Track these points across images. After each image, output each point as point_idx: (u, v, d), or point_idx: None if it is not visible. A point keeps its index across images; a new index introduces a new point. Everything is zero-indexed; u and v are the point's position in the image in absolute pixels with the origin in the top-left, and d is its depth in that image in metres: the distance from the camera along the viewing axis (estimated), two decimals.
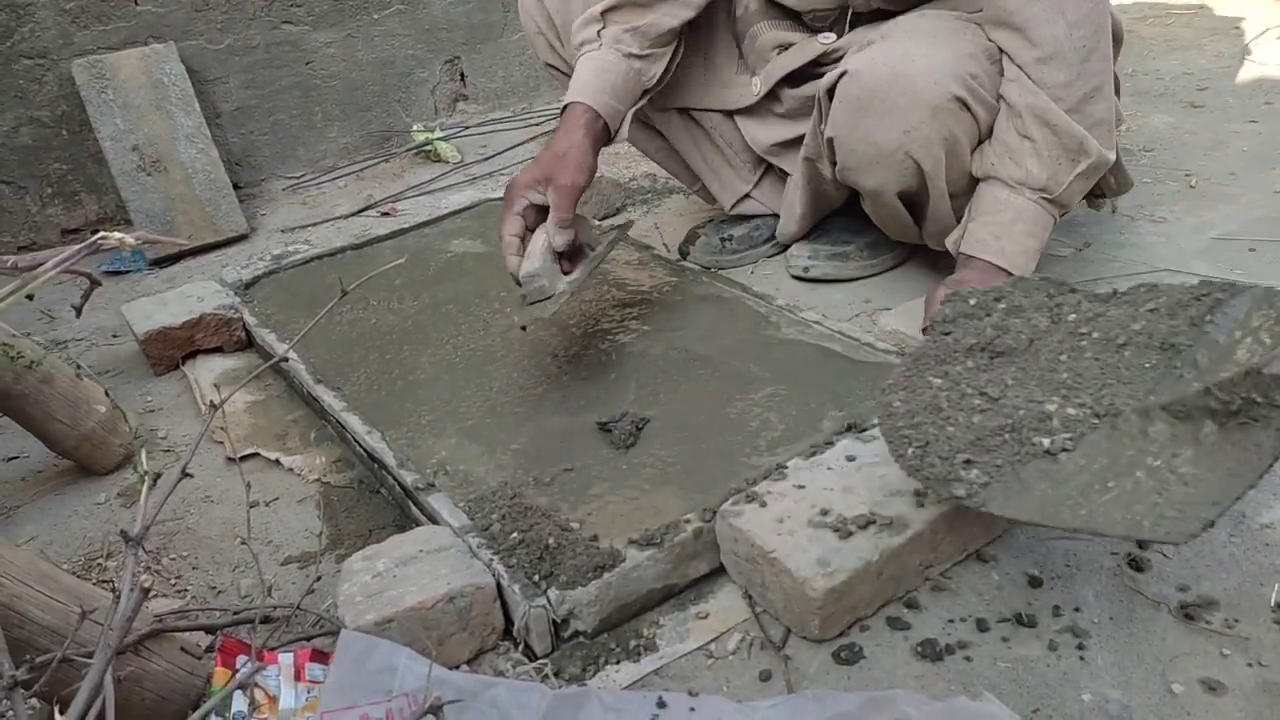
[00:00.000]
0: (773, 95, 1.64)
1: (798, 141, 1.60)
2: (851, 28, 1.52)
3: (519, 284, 1.31)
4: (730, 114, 1.71)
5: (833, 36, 1.53)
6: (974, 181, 1.37)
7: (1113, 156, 1.32)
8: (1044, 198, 1.29)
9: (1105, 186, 1.51)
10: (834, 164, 1.47)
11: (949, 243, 1.38)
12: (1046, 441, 0.88)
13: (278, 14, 2.54)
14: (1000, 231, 1.30)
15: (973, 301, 1.04)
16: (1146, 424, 0.86)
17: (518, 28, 2.86)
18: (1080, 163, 1.28)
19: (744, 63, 1.67)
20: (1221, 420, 0.83)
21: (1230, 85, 2.33)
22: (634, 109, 1.53)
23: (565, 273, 1.34)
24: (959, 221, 1.38)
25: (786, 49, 1.59)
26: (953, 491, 0.88)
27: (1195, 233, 1.64)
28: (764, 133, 1.67)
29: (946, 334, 1.03)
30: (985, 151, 1.33)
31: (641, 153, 1.88)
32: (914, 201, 1.44)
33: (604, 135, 1.46)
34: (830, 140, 1.42)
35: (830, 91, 1.39)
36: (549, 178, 1.34)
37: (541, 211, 1.35)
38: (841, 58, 1.45)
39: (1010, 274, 1.28)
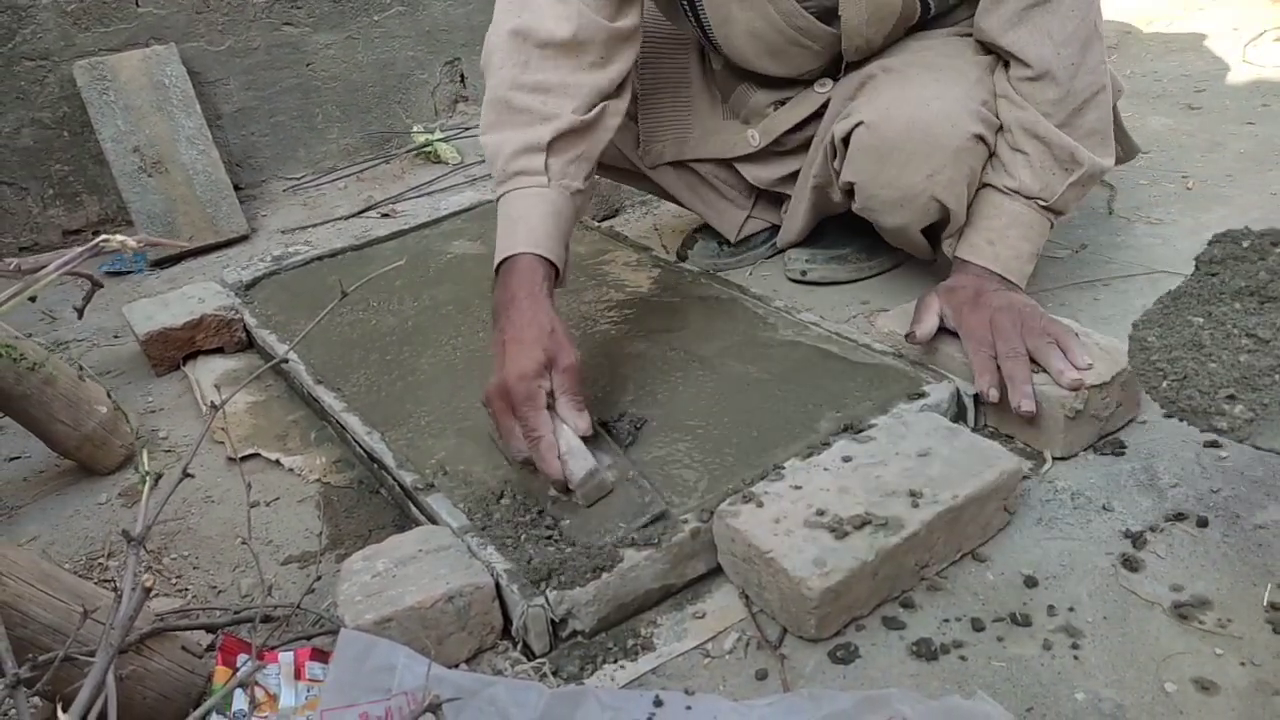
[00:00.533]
0: (776, 141, 1.61)
1: (791, 178, 1.61)
2: (846, 73, 1.49)
3: (566, 491, 1.10)
4: (727, 160, 1.67)
5: (830, 83, 1.51)
6: None
7: (1108, 164, 1.33)
8: (1039, 204, 1.30)
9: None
10: (848, 194, 1.46)
11: (945, 248, 1.39)
12: None
13: (278, 16, 2.54)
14: (994, 237, 1.31)
15: (1245, 244, 0.98)
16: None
17: None
18: (1073, 172, 1.28)
19: (729, 108, 1.65)
20: None
21: (1228, 87, 2.34)
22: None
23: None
24: None
25: (783, 103, 1.57)
26: (1213, 424, 0.86)
27: (1192, 234, 1.64)
28: (766, 172, 1.65)
29: (1213, 274, 0.99)
30: None
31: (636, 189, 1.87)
32: (932, 235, 1.45)
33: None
34: (850, 183, 1.42)
35: (845, 139, 1.39)
36: (551, 362, 1.13)
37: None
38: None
39: (1006, 280, 1.29)
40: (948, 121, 1.29)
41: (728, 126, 1.64)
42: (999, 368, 1.16)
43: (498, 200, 1.30)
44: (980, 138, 1.30)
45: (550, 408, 1.11)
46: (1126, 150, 1.54)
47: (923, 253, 1.51)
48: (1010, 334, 1.18)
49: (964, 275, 1.31)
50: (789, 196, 1.65)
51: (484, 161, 2.57)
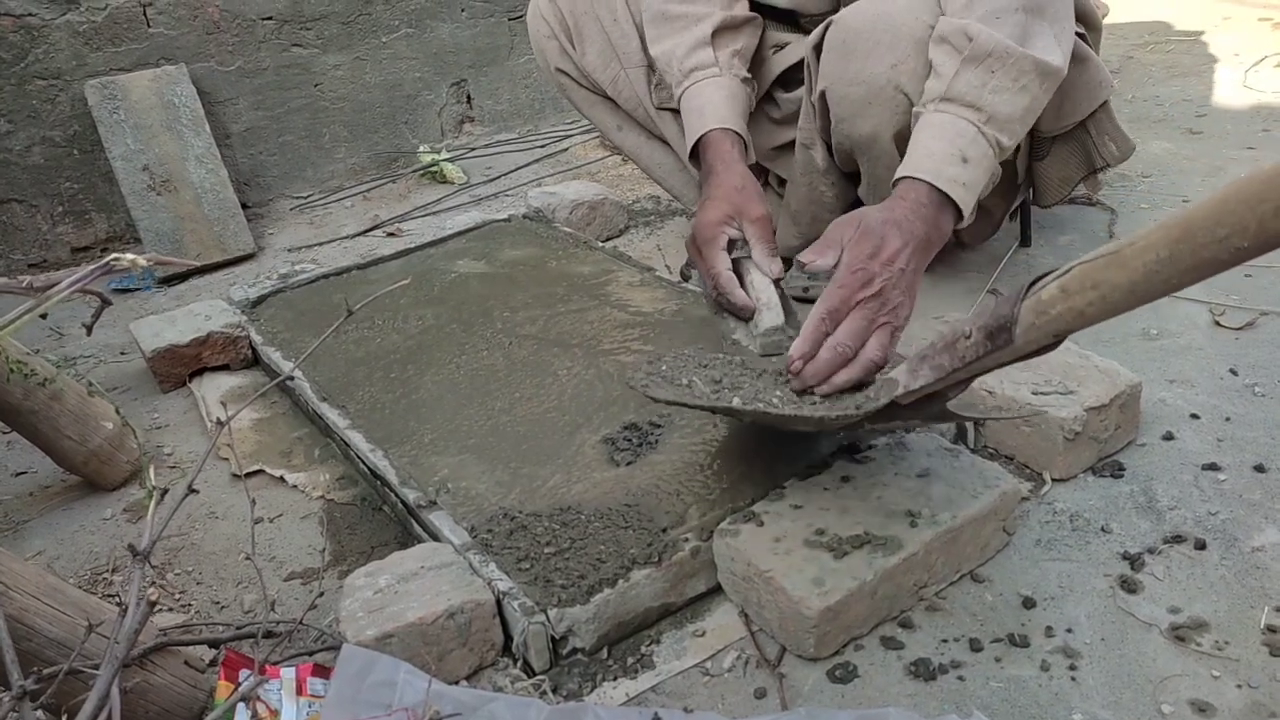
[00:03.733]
0: (769, 99, 1.69)
1: (792, 146, 1.64)
2: None
3: (726, 313, 1.28)
4: None
5: (819, 26, 1.56)
6: None
7: (1053, 60, 1.24)
8: (943, 104, 1.22)
9: (1106, 155, 1.55)
10: (827, 144, 1.49)
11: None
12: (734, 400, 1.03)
13: (288, 37, 2.57)
14: (910, 149, 1.23)
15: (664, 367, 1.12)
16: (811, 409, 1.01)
17: (523, 51, 2.90)
18: (962, 51, 1.22)
19: None
20: (847, 406, 0.99)
21: (1229, 112, 2.36)
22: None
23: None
24: None
25: (782, 49, 1.64)
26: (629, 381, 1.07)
27: None
28: (761, 138, 1.71)
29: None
30: None
31: (644, 170, 1.91)
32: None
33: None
34: (823, 96, 1.45)
35: (817, 48, 1.44)
36: (739, 212, 1.30)
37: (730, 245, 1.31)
38: None
39: (922, 182, 1.17)
40: (909, 13, 1.33)
41: None
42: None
43: (679, 99, 1.51)
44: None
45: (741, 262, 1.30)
46: (1121, 149, 1.56)
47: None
48: (859, 321, 1.05)
49: (884, 201, 1.20)
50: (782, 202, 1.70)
51: (489, 181, 2.60)
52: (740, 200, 1.32)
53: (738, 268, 1.31)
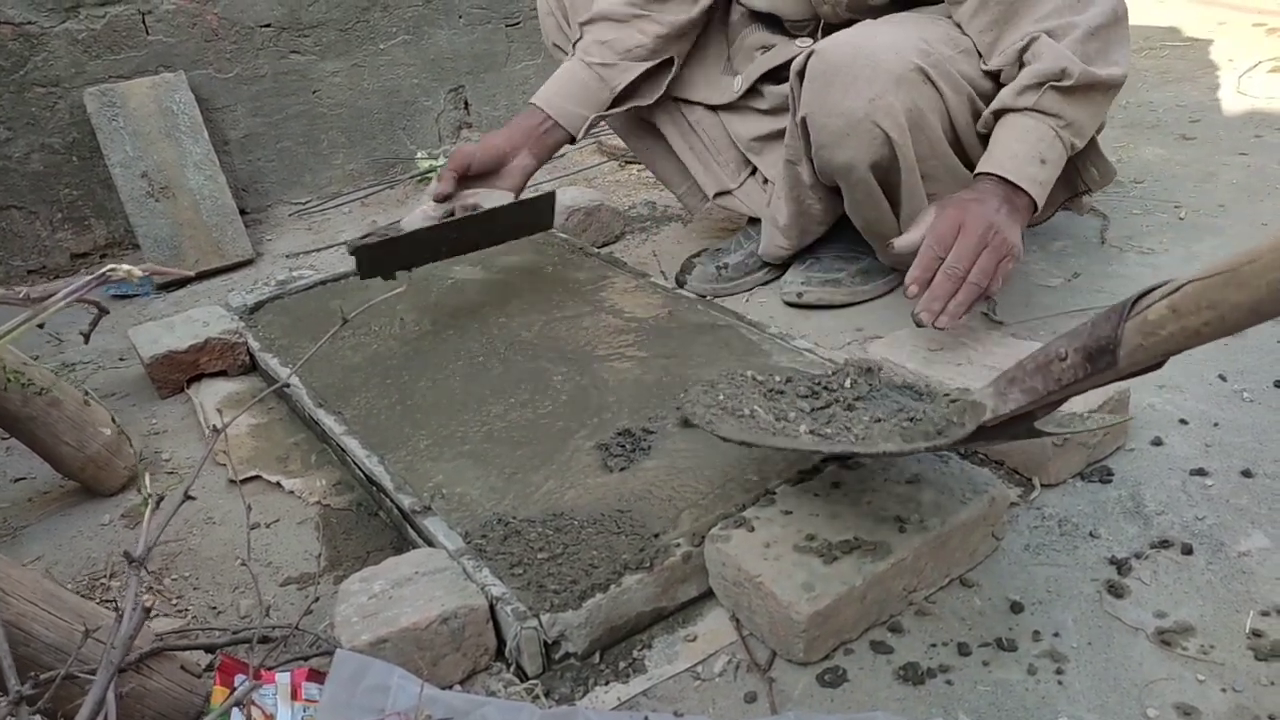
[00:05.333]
0: (755, 92, 1.75)
1: (777, 136, 1.69)
2: (825, 35, 1.59)
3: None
4: (715, 110, 1.82)
5: (809, 41, 1.62)
6: (949, 164, 1.45)
7: (1120, 73, 1.36)
8: (1032, 112, 1.34)
9: (1089, 179, 1.58)
10: (811, 161, 1.53)
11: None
12: (801, 429, 1.03)
13: (285, 44, 2.58)
14: (992, 148, 1.36)
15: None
16: (884, 441, 0.98)
17: (520, 58, 2.91)
18: (1079, 94, 1.34)
19: (730, 65, 1.81)
20: (929, 437, 0.96)
21: (1222, 118, 2.37)
22: (608, 111, 1.74)
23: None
24: None
25: (769, 49, 1.70)
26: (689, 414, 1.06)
27: (1183, 264, 1.67)
28: (745, 127, 1.77)
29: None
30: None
31: (634, 152, 1.99)
32: (888, 183, 1.48)
33: (555, 135, 1.69)
34: (804, 121, 1.48)
35: (801, 75, 1.47)
36: (481, 149, 1.62)
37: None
38: None
39: (1014, 190, 1.32)
40: (891, 50, 1.37)
41: (722, 82, 1.79)
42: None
43: None
44: (924, 73, 1.37)
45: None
46: (1103, 174, 1.58)
47: (889, 226, 1.54)
48: (966, 247, 1.25)
49: (969, 188, 1.36)
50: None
51: None
52: (485, 140, 1.65)
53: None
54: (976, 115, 1.43)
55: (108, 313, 0.96)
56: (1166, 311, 0.74)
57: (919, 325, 1.28)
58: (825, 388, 1.11)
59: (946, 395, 1.03)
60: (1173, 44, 3.02)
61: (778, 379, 1.13)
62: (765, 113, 1.75)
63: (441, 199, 1.59)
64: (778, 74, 1.69)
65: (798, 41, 1.66)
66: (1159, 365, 0.79)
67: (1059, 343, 0.84)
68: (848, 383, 1.12)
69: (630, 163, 2.66)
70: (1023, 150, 1.33)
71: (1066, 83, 1.32)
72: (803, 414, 1.06)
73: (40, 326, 0.76)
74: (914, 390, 1.10)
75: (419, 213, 1.59)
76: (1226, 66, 2.73)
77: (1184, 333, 0.73)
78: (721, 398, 1.08)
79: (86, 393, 1.43)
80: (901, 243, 1.34)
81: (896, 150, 1.40)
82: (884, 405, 1.07)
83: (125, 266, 0.71)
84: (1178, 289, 0.73)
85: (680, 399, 1.11)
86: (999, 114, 1.37)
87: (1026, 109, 1.34)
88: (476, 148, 1.62)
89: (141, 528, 0.81)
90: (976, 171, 1.36)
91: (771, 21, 1.71)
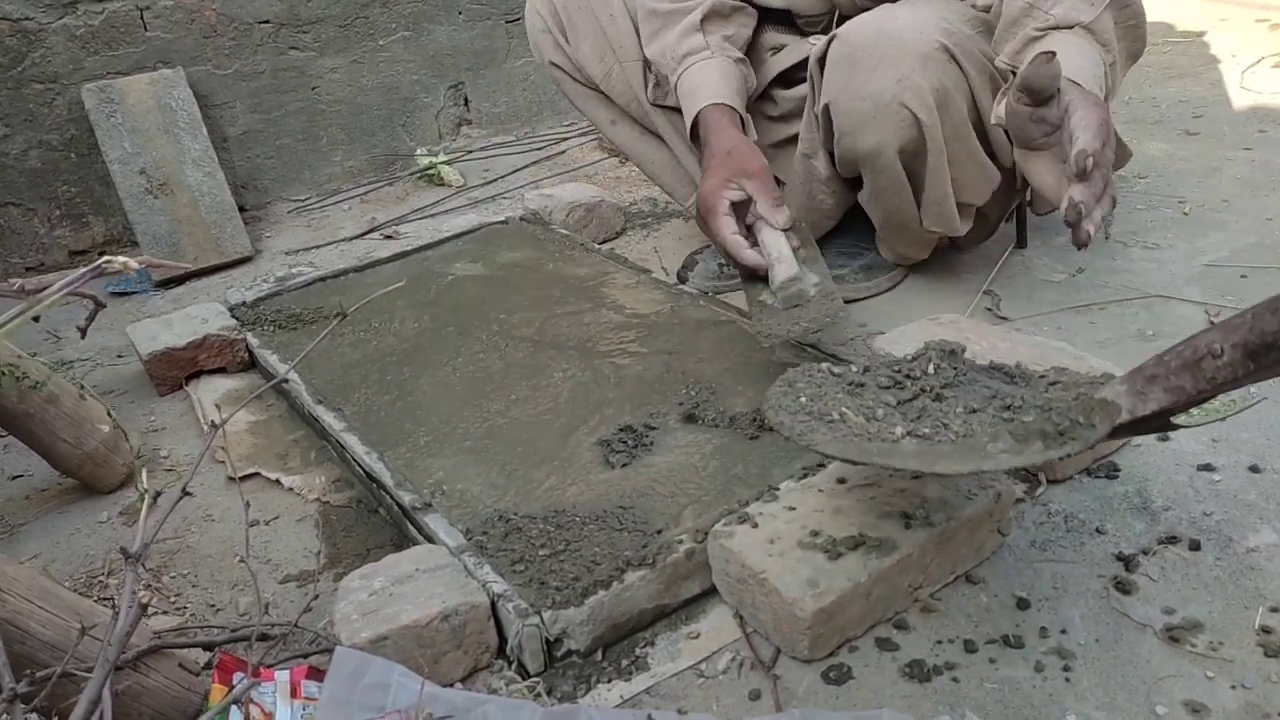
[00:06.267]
0: (767, 98, 1.70)
1: (791, 142, 1.65)
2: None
3: (745, 275, 1.38)
4: None
5: (822, 38, 1.57)
6: (971, 149, 1.41)
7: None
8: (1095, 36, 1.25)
9: None
10: (829, 154, 1.50)
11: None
12: (896, 430, 0.94)
13: (284, 40, 2.57)
14: (1068, 57, 1.19)
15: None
16: (990, 442, 0.90)
17: (520, 54, 2.90)
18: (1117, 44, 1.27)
19: None
20: (1048, 440, 0.88)
21: (1225, 113, 2.36)
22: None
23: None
24: (956, 205, 1.45)
25: (780, 50, 1.66)
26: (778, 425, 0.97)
27: (1188, 259, 1.66)
28: (759, 135, 1.71)
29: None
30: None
31: (638, 165, 1.92)
32: (912, 170, 1.45)
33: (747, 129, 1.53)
34: (826, 110, 1.45)
35: (821, 61, 1.45)
36: (737, 172, 1.37)
37: (738, 208, 1.39)
38: None
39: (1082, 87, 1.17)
40: (915, 29, 1.34)
41: None
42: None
43: (675, 87, 1.56)
44: (948, 52, 1.34)
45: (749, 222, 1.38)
46: (1118, 155, 1.56)
47: (909, 214, 1.50)
48: (1108, 151, 1.11)
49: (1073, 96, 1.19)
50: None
51: (486, 184, 2.61)
52: (735, 161, 1.38)
53: (751, 230, 1.37)
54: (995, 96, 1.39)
55: (104, 306, 0.95)
56: None
57: (1082, 242, 1.07)
58: (908, 376, 1.02)
59: (1043, 378, 0.99)
60: (1176, 39, 3.01)
61: (854, 369, 1.05)
62: (775, 119, 1.70)
63: (748, 256, 1.38)
64: (788, 78, 1.66)
65: (810, 39, 1.63)
66: None
67: (1209, 337, 0.77)
68: (930, 368, 1.03)
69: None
70: (1087, 67, 1.20)
71: (1124, 6, 1.25)
72: (890, 409, 0.98)
73: (35, 320, 0.75)
74: (1004, 373, 1.03)
75: (779, 266, 1.34)
76: (1230, 62, 2.72)
77: None
78: (804, 400, 1.00)
79: (82, 386, 1.42)
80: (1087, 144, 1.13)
81: (925, 132, 1.37)
82: (975, 393, 0.99)
83: (121, 258, 0.70)
84: None
85: (762, 403, 1.02)
86: (1046, 30, 1.25)
87: (1081, 25, 1.23)
88: (759, 158, 1.42)
89: (138, 524, 0.80)
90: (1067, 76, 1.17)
91: (784, 20, 1.68)
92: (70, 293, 0.76)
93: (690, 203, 1.45)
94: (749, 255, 1.34)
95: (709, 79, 1.52)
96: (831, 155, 1.53)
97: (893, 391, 1.00)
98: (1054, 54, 1.10)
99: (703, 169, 1.44)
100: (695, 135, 1.51)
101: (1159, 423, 0.87)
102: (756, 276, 1.39)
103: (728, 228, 1.35)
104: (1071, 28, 1.25)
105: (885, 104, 1.36)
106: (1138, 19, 1.32)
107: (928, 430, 0.94)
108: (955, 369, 1.03)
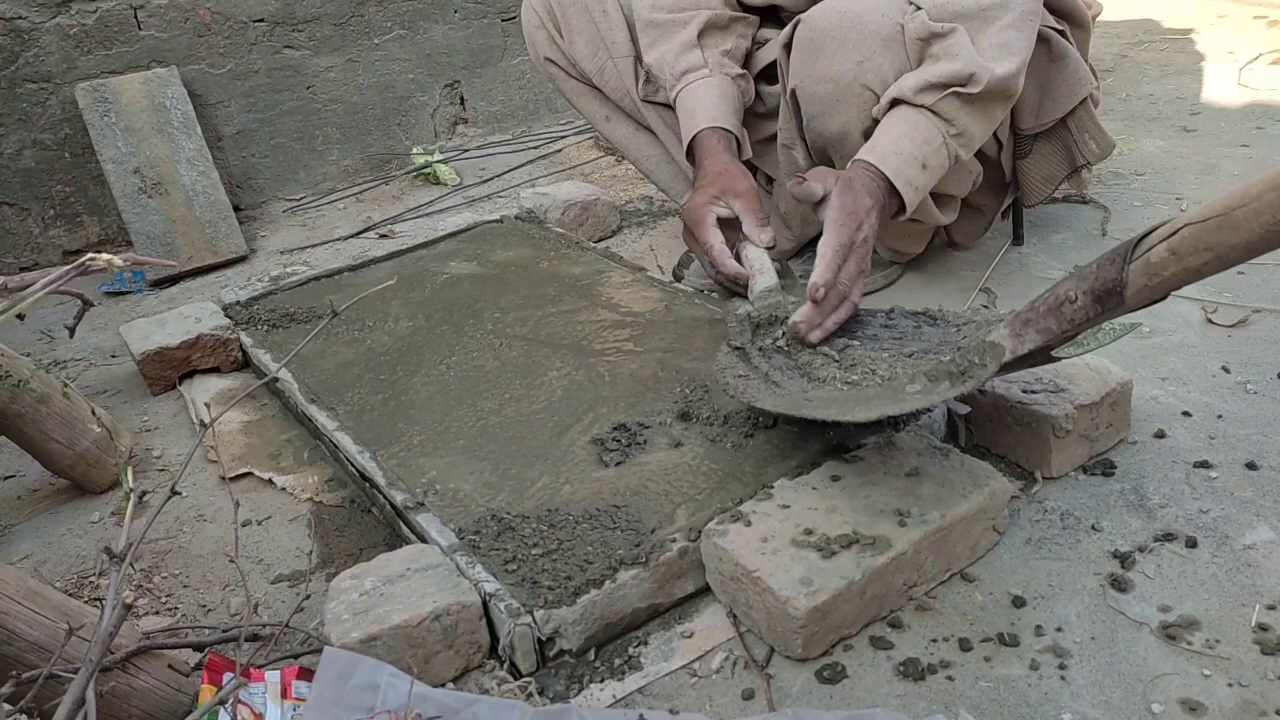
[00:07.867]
0: (755, 95, 1.68)
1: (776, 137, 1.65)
2: None
3: (728, 290, 1.43)
4: None
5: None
6: None
7: (997, 70, 1.29)
8: (913, 105, 1.30)
9: (1087, 153, 1.57)
10: (805, 142, 1.50)
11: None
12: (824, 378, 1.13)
13: (279, 39, 2.57)
14: (878, 138, 1.31)
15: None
16: (909, 383, 1.05)
17: (516, 52, 2.89)
18: (976, 99, 1.29)
19: None
20: (954, 379, 1.00)
21: (1223, 110, 2.35)
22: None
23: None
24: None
25: (764, 45, 1.66)
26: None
27: None
28: (748, 132, 1.70)
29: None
30: None
31: (632, 162, 1.90)
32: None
33: (741, 152, 1.53)
34: (794, 94, 1.46)
35: (787, 47, 1.45)
36: (725, 190, 1.39)
37: (724, 226, 1.39)
38: None
39: (882, 177, 1.27)
40: (876, 12, 1.35)
41: None
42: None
43: (674, 103, 1.56)
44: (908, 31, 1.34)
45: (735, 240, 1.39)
46: (1101, 146, 1.57)
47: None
48: (851, 262, 1.20)
49: (848, 171, 1.29)
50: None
51: (482, 183, 2.60)
52: (724, 181, 1.39)
53: (735, 247, 1.39)
54: None
55: (92, 304, 0.94)
56: (1168, 254, 0.80)
57: (799, 338, 1.21)
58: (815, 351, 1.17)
59: (959, 318, 1.08)
60: (1172, 36, 3.01)
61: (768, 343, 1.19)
62: (762, 115, 1.69)
63: (730, 265, 1.37)
64: (771, 73, 1.65)
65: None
66: (1162, 298, 0.86)
67: (1067, 285, 0.90)
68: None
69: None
70: (907, 148, 1.29)
71: (973, 89, 1.28)
72: (829, 360, 1.14)
73: (21, 319, 0.74)
74: (928, 316, 1.14)
75: (760, 277, 1.34)
76: (1227, 59, 2.71)
77: (1185, 272, 0.80)
78: (744, 371, 1.13)
79: (66, 385, 1.41)
80: (799, 188, 1.29)
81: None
82: (904, 337, 1.12)
83: (105, 256, 0.69)
84: (1175, 232, 0.79)
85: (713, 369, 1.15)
86: (894, 103, 1.32)
87: (923, 107, 1.30)
88: (747, 180, 1.42)
89: (124, 524, 0.79)
90: (857, 157, 1.30)
91: (770, 17, 1.67)
92: (55, 291, 0.75)
93: (684, 203, 1.45)
94: (731, 265, 1.36)
95: (705, 100, 1.52)
96: (808, 144, 1.53)
97: (799, 362, 1.17)
98: (804, 179, 1.28)
99: (693, 187, 1.45)
100: (691, 155, 1.53)
101: (1041, 357, 0.98)
102: (736, 293, 1.41)
103: (715, 237, 1.37)
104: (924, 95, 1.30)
105: (847, 86, 1.37)
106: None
107: (857, 377, 1.09)
108: (888, 315, 1.17)
